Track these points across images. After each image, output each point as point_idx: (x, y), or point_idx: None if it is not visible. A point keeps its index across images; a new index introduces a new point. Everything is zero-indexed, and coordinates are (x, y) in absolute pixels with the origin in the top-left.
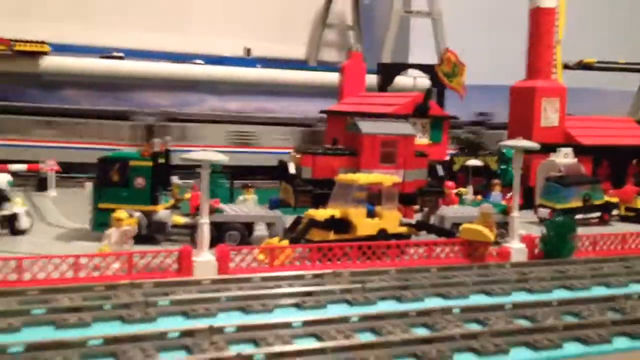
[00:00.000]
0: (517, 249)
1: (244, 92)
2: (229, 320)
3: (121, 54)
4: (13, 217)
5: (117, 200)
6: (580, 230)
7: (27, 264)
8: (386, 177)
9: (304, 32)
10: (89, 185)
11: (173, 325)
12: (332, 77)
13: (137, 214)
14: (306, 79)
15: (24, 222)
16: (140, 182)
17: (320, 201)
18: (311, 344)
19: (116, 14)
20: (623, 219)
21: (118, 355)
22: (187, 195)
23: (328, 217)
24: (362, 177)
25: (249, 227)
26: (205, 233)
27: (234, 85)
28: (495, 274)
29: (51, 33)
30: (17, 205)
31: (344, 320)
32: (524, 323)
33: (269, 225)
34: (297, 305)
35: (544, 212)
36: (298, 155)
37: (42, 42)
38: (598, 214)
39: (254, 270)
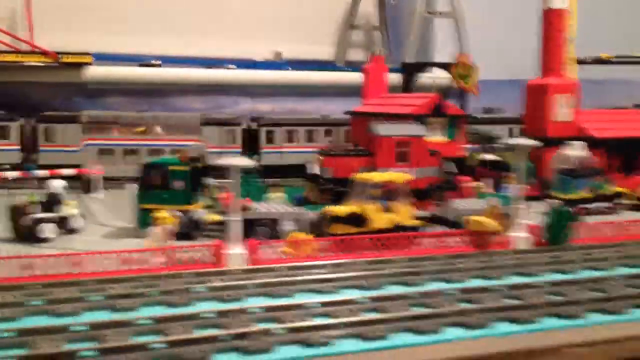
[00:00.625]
0: (522, 237)
1: (275, 94)
2: (257, 303)
3: (158, 62)
4: (68, 218)
5: (159, 201)
6: (589, 219)
7: (87, 258)
8: (399, 175)
9: (331, 33)
10: (129, 187)
11: (208, 307)
12: (358, 77)
13: (178, 214)
14: (334, 80)
15: (77, 223)
16: (178, 184)
17: (341, 198)
18: (326, 320)
19: (151, 23)
20: (632, 208)
21: (163, 331)
22: (221, 195)
23: (348, 213)
24: (377, 176)
25: (275, 222)
26: (235, 228)
27: (266, 88)
28: (495, 261)
29: (91, 44)
30: (71, 207)
31: (352, 302)
32: (511, 301)
33: (296, 220)
34: (314, 290)
35: (555, 203)
36: (321, 157)
37: (86, 54)
38: (607, 203)
39: (281, 261)
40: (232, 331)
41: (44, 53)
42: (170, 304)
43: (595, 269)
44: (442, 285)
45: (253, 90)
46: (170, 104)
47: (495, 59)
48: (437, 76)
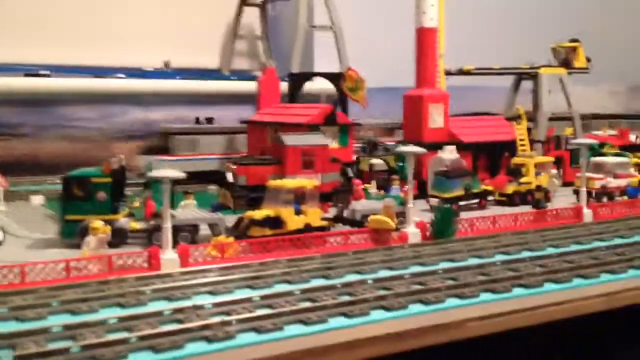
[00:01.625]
0: (413, 233)
1: (165, 102)
2: (204, 300)
3: (47, 72)
4: None
5: (82, 212)
6: (463, 215)
7: (29, 269)
8: (308, 181)
9: (216, 43)
10: (35, 199)
11: (163, 306)
12: (245, 85)
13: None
14: (222, 88)
15: None
16: (101, 195)
17: (255, 204)
18: (267, 311)
19: (39, 33)
20: (498, 203)
21: (132, 329)
22: (137, 204)
23: (264, 216)
24: (289, 182)
25: (195, 228)
26: (169, 235)
27: (156, 97)
28: (396, 254)
29: None
30: None
31: (289, 294)
32: (413, 288)
33: (212, 226)
34: (250, 287)
35: (434, 201)
36: (234, 166)
37: None
38: (477, 200)
39: (209, 263)
40: (192, 324)
41: None
42: (126, 306)
43: (479, 257)
44: (357, 277)
45: (143, 99)
46: (60, 114)
47: (371, 68)
48: (322, 87)
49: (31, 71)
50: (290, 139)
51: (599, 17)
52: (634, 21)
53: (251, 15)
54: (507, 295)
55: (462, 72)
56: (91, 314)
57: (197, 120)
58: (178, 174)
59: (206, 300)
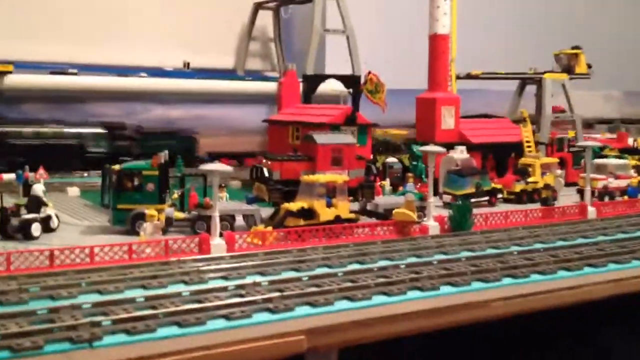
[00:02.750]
0: (432, 225)
1: (184, 101)
2: (257, 278)
3: (75, 70)
4: (48, 219)
5: (133, 202)
6: (475, 211)
7: (97, 250)
8: (338, 177)
9: (232, 45)
10: (71, 190)
11: (224, 283)
12: (259, 85)
13: (169, 210)
14: (238, 88)
15: (54, 223)
16: (150, 187)
17: (288, 197)
18: (316, 289)
19: (68, 33)
20: (505, 201)
21: (202, 301)
22: (175, 196)
23: (299, 208)
24: (321, 177)
25: (233, 218)
26: (217, 223)
27: (175, 95)
28: (421, 243)
29: (7, 53)
30: (50, 209)
31: (333, 275)
32: (442, 272)
33: (247, 217)
34: (295, 270)
35: (447, 198)
36: (269, 162)
37: (7, 62)
38: (487, 197)
39: (252, 249)
40: (256, 297)
41: None
42: (190, 283)
43: (496, 247)
44: (389, 263)
45: (163, 98)
46: (87, 111)
47: (385, 71)
48: (335, 88)
49: (57, 69)
50: (321, 138)
51: (599, 25)
52: (632, 29)
53: (265, 18)
54: (525, 280)
55: (470, 77)
56: (162, 289)
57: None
58: (227, 168)
59: (260, 278)
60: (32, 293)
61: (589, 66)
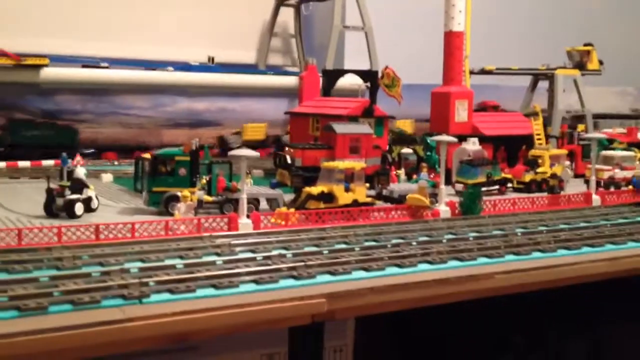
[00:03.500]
0: (444, 210)
1: (208, 94)
2: (283, 252)
3: (106, 64)
4: (89, 200)
5: (166, 185)
6: (486, 198)
7: (137, 226)
8: (356, 164)
9: (254, 40)
10: (105, 176)
11: (253, 255)
12: (280, 80)
13: (200, 193)
14: (259, 82)
15: (94, 204)
16: (182, 171)
17: (308, 182)
18: (336, 260)
19: (99, 28)
20: (515, 190)
21: (234, 269)
22: (203, 180)
23: (320, 192)
24: (341, 164)
25: (257, 201)
26: (244, 204)
27: (200, 88)
28: (432, 226)
29: (41, 47)
30: (91, 190)
31: (351, 250)
32: (450, 248)
33: (270, 200)
34: (316, 245)
35: (459, 186)
36: (292, 150)
37: (43, 56)
38: (497, 186)
39: (276, 228)
40: (281, 266)
41: (7, 55)
42: (223, 254)
43: (502, 229)
44: (403, 240)
45: (189, 91)
46: (117, 103)
47: (401, 66)
48: (353, 82)
49: (89, 63)
50: (340, 128)
51: (612, 22)
52: None
53: (286, 15)
54: (527, 257)
55: (484, 72)
56: (198, 259)
57: None
58: (254, 153)
59: (285, 252)
60: (84, 260)
61: (601, 62)
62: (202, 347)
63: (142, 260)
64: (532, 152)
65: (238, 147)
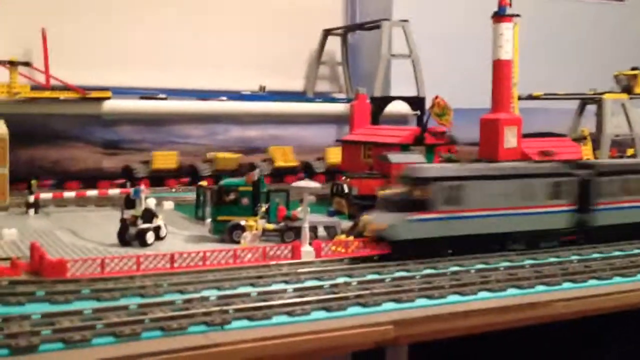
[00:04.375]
0: None
1: (260, 122)
2: (347, 280)
3: (164, 95)
4: (158, 228)
5: (230, 214)
6: None
7: (208, 254)
8: None
9: (303, 69)
10: (167, 204)
11: (319, 283)
12: (328, 107)
13: (261, 222)
14: (308, 109)
15: (163, 232)
16: (245, 201)
17: (365, 210)
18: (400, 288)
19: (155, 61)
20: None
21: (304, 296)
22: (263, 209)
23: None
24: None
25: (316, 229)
26: (307, 232)
27: (252, 117)
28: (488, 253)
29: (99, 79)
30: (160, 220)
31: (412, 277)
32: (508, 277)
33: (328, 228)
34: (378, 273)
35: None
36: (349, 179)
37: (106, 89)
38: None
39: (337, 255)
40: (348, 294)
41: (73, 89)
42: (291, 282)
43: (557, 256)
44: (460, 268)
45: (241, 119)
46: (174, 132)
47: (447, 91)
48: (401, 109)
49: (147, 94)
50: (395, 157)
51: None
52: None
53: (333, 43)
54: (583, 285)
55: (531, 97)
56: (269, 286)
57: None
58: (316, 185)
59: (349, 280)
60: (165, 288)
61: None
62: None
63: (218, 288)
64: None
65: (208, 175)
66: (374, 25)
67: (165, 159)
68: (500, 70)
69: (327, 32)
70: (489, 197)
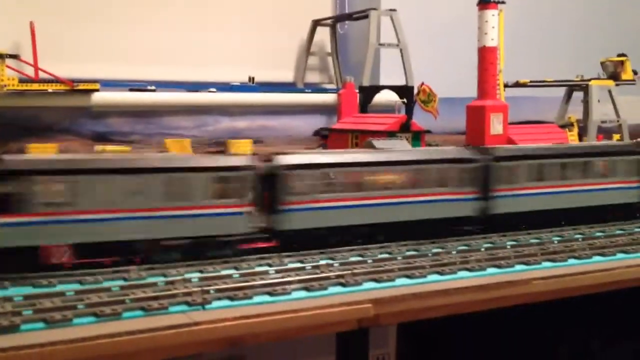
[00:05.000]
0: None
1: (249, 112)
2: (329, 261)
3: (153, 87)
4: None
5: None
6: None
7: None
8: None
9: (292, 59)
10: None
11: (300, 265)
12: (317, 97)
13: None
14: (297, 100)
15: None
16: None
17: None
18: (376, 268)
19: (144, 53)
20: None
21: (285, 277)
22: None
23: None
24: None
25: None
26: None
27: (241, 107)
28: (471, 235)
29: (89, 72)
30: None
31: (392, 259)
32: (488, 256)
33: None
34: (361, 255)
35: None
36: None
37: (95, 81)
38: None
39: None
40: (322, 275)
41: (61, 82)
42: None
43: (538, 238)
44: (441, 250)
45: (230, 110)
46: (164, 124)
47: (435, 80)
48: (390, 98)
49: (135, 86)
50: (380, 143)
51: None
52: None
53: (322, 34)
54: (563, 264)
55: (518, 85)
56: (252, 269)
57: None
58: None
59: (332, 262)
60: (148, 272)
61: (635, 72)
62: (248, 356)
63: (200, 271)
64: None
65: None
66: (363, 15)
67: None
68: (485, 57)
69: (316, 23)
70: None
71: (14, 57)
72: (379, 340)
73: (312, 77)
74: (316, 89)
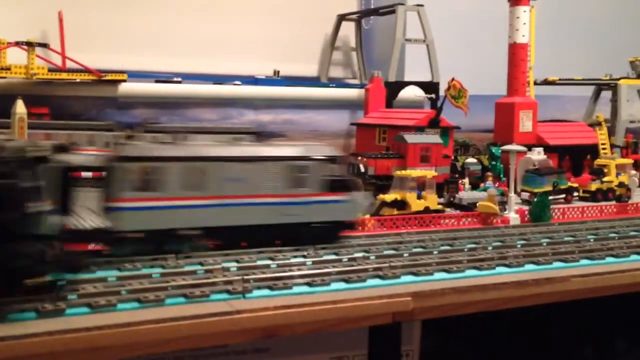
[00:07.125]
0: (513, 217)
1: (274, 106)
2: (365, 254)
3: (179, 79)
4: None
5: None
6: (553, 206)
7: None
8: (428, 172)
9: (317, 54)
10: None
11: (336, 257)
12: (341, 92)
13: None
14: (322, 94)
15: None
16: None
17: (381, 190)
18: (417, 262)
19: (170, 46)
20: (581, 199)
21: (323, 268)
22: None
23: (393, 199)
24: (413, 172)
25: None
26: None
27: (266, 101)
28: (504, 232)
29: (115, 63)
30: None
31: (428, 253)
32: (525, 253)
33: None
34: (395, 249)
35: (525, 195)
36: (365, 159)
37: (122, 72)
38: (563, 195)
39: (354, 233)
40: (368, 266)
41: (90, 72)
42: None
43: (573, 236)
44: (477, 245)
45: (255, 103)
46: (188, 115)
47: (462, 77)
48: (416, 94)
49: (163, 78)
50: (411, 137)
51: None
52: None
53: (347, 29)
54: (600, 262)
55: (547, 82)
56: (289, 260)
57: None
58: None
59: (367, 254)
60: (186, 260)
61: None
62: (273, 348)
63: (237, 261)
64: (598, 161)
65: None
66: (389, 10)
67: None
68: (516, 53)
69: (342, 18)
70: None
71: (43, 45)
72: (407, 337)
73: (336, 72)
74: (340, 83)
